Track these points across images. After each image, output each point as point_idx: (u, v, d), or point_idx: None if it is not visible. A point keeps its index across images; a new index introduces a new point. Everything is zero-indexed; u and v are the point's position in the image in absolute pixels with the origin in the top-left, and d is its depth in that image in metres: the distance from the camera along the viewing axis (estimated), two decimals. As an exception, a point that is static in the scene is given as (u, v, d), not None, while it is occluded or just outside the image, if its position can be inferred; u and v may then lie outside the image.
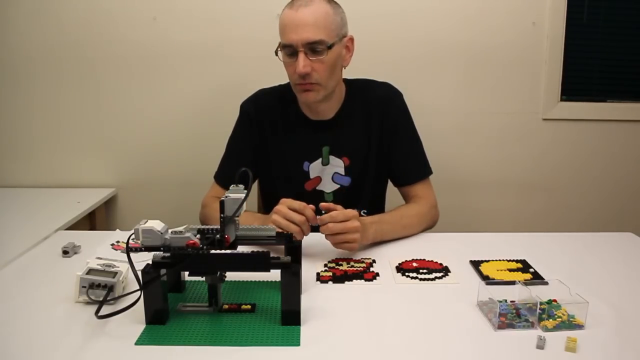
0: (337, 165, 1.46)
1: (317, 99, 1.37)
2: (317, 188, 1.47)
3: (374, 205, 1.53)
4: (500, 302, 0.94)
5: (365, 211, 1.50)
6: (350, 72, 1.54)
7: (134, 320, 0.92)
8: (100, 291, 0.98)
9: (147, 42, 1.93)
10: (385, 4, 1.92)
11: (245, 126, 1.49)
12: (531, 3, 1.94)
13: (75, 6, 1.90)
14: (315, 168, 1.46)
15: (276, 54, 1.37)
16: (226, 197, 0.93)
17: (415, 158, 1.50)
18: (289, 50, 1.32)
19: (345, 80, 1.50)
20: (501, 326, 0.92)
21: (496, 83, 2.00)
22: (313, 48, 1.30)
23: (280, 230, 1.09)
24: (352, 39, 1.41)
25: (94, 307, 0.94)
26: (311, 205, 1.19)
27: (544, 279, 1.12)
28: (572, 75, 2.02)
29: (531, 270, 1.17)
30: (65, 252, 1.23)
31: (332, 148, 1.45)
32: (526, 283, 0.99)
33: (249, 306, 0.98)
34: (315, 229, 1.46)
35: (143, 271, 0.90)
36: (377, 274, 1.14)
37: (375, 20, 1.91)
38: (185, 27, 1.92)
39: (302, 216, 1.17)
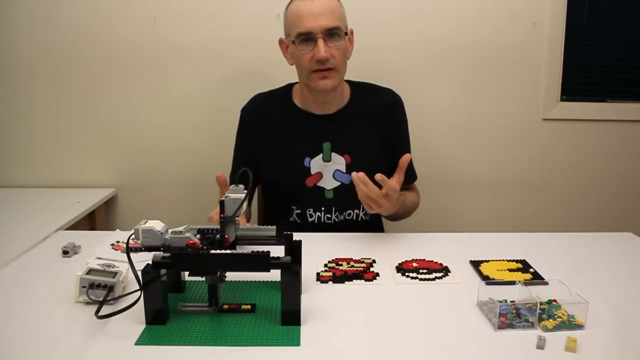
0: (339, 162, 1.47)
1: (335, 85, 1.42)
2: (317, 184, 1.47)
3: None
4: (500, 302, 0.94)
5: (364, 212, 1.51)
6: (354, 72, 1.54)
7: (134, 320, 0.92)
8: (100, 291, 0.98)
9: (147, 42, 1.93)
10: (386, 5, 1.92)
11: (243, 131, 1.56)
12: (531, 3, 1.94)
13: (76, 6, 1.90)
14: (316, 164, 1.47)
15: (286, 48, 1.43)
16: (226, 197, 0.93)
17: (411, 163, 1.56)
18: (306, 36, 1.37)
19: (350, 82, 1.54)
20: (501, 326, 0.92)
21: (496, 83, 2.00)
22: (331, 33, 1.37)
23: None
24: (352, 32, 1.47)
25: (94, 307, 0.94)
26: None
27: (544, 279, 1.12)
28: (572, 75, 2.02)
29: (531, 270, 1.17)
30: (65, 252, 1.23)
31: (334, 145, 1.47)
32: (526, 283, 0.99)
33: (249, 306, 0.98)
34: (315, 227, 1.47)
35: (143, 271, 0.90)
36: (377, 274, 1.14)
37: (377, 22, 1.91)
38: (185, 27, 1.92)
39: None
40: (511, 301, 0.96)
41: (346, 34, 1.40)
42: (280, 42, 1.49)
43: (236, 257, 0.93)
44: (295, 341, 0.88)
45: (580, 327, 0.92)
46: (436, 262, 1.21)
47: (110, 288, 0.98)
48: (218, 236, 0.91)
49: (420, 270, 1.16)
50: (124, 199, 2.06)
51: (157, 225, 0.92)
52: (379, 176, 1.23)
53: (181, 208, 2.05)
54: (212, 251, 0.91)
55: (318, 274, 1.14)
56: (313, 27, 1.35)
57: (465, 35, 1.95)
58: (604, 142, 2.07)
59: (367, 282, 1.11)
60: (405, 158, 1.30)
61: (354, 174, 1.24)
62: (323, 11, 1.35)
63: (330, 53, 1.36)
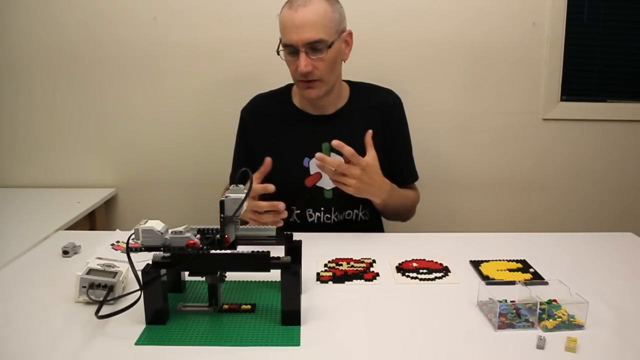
0: None
1: (320, 95, 1.41)
2: (317, 184, 1.47)
3: (373, 203, 1.54)
4: (500, 302, 0.94)
5: (364, 212, 1.51)
6: (354, 72, 1.54)
7: (134, 320, 0.92)
8: (100, 291, 0.98)
9: (146, 42, 1.93)
10: (386, 6, 1.92)
11: (242, 132, 1.56)
12: (531, 3, 1.94)
13: (76, 6, 1.90)
14: (315, 164, 1.47)
15: (278, 52, 1.41)
16: (226, 197, 0.93)
17: (411, 163, 1.58)
18: (290, 49, 1.36)
19: (349, 82, 1.54)
20: (501, 326, 0.92)
21: (496, 83, 2.00)
22: (313, 47, 1.34)
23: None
24: (350, 34, 1.45)
25: (94, 307, 0.94)
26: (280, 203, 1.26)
27: (544, 279, 1.12)
28: (572, 75, 2.02)
29: (531, 270, 1.17)
30: (65, 252, 1.24)
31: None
32: (526, 283, 0.99)
33: (249, 306, 0.98)
34: (315, 228, 1.47)
35: (143, 271, 0.90)
36: (377, 274, 1.14)
37: (377, 22, 1.91)
38: (185, 27, 1.92)
39: (270, 214, 1.25)
40: (511, 301, 0.96)
41: (331, 44, 1.35)
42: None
43: (236, 257, 0.93)
44: (295, 341, 0.88)
45: (580, 327, 0.92)
46: (436, 262, 1.21)
47: (110, 288, 0.98)
48: (218, 236, 0.91)
49: (420, 270, 1.16)
50: (124, 199, 2.06)
51: (157, 225, 0.92)
52: (348, 150, 1.26)
53: (181, 208, 2.05)
54: (212, 251, 0.91)
55: (318, 274, 1.14)
56: (294, 41, 1.33)
57: (465, 35, 1.95)
58: (604, 142, 2.07)
59: (367, 282, 1.11)
60: (368, 133, 1.33)
61: (318, 159, 1.26)
62: (305, 23, 1.31)
63: (313, 65, 1.34)
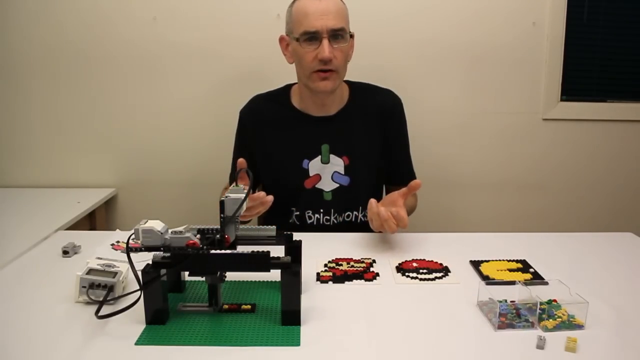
0: (337, 164, 1.47)
1: (334, 87, 1.42)
2: (316, 186, 1.47)
3: None
4: (500, 302, 0.94)
5: (364, 214, 1.51)
6: (354, 72, 1.54)
7: (134, 320, 0.92)
8: (100, 291, 0.98)
9: (146, 42, 1.93)
10: (386, 6, 1.92)
11: (241, 133, 1.55)
12: (531, 3, 1.94)
13: (76, 6, 1.90)
14: (314, 166, 1.47)
15: (286, 46, 1.42)
16: (226, 197, 0.93)
17: (409, 163, 1.59)
18: (310, 36, 1.37)
19: (348, 83, 1.54)
20: (501, 326, 0.92)
21: (496, 83, 2.00)
22: (336, 35, 1.36)
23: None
24: (353, 35, 1.46)
25: (94, 307, 0.94)
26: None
27: (544, 279, 1.12)
28: (572, 75, 2.02)
29: (531, 270, 1.17)
30: (65, 252, 1.24)
31: (332, 146, 1.46)
32: (526, 283, 0.99)
33: (249, 306, 0.98)
34: (314, 229, 1.47)
35: (143, 271, 0.90)
36: (377, 274, 1.14)
37: (377, 22, 1.91)
38: (185, 27, 1.92)
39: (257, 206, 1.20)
40: (511, 301, 0.96)
41: (351, 36, 1.41)
42: (281, 39, 1.47)
43: (236, 257, 0.93)
44: (295, 341, 0.88)
45: (580, 327, 0.92)
46: (436, 262, 1.21)
47: (110, 288, 0.98)
48: (218, 236, 0.91)
49: (420, 270, 1.16)
50: (124, 199, 2.06)
51: (157, 225, 0.92)
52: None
53: (181, 208, 2.05)
54: (212, 251, 0.91)
55: (318, 274, 1.14)
56: (319, 27, 1.35)
57: (466, 35, 1.95)
58: (604, 142, 2.07)
59: (367, 282, 1.11)
60: (416, 184, 1.26)
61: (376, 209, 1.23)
62: (330, 11, 1.35)
63: (333, 54, 1.36)
